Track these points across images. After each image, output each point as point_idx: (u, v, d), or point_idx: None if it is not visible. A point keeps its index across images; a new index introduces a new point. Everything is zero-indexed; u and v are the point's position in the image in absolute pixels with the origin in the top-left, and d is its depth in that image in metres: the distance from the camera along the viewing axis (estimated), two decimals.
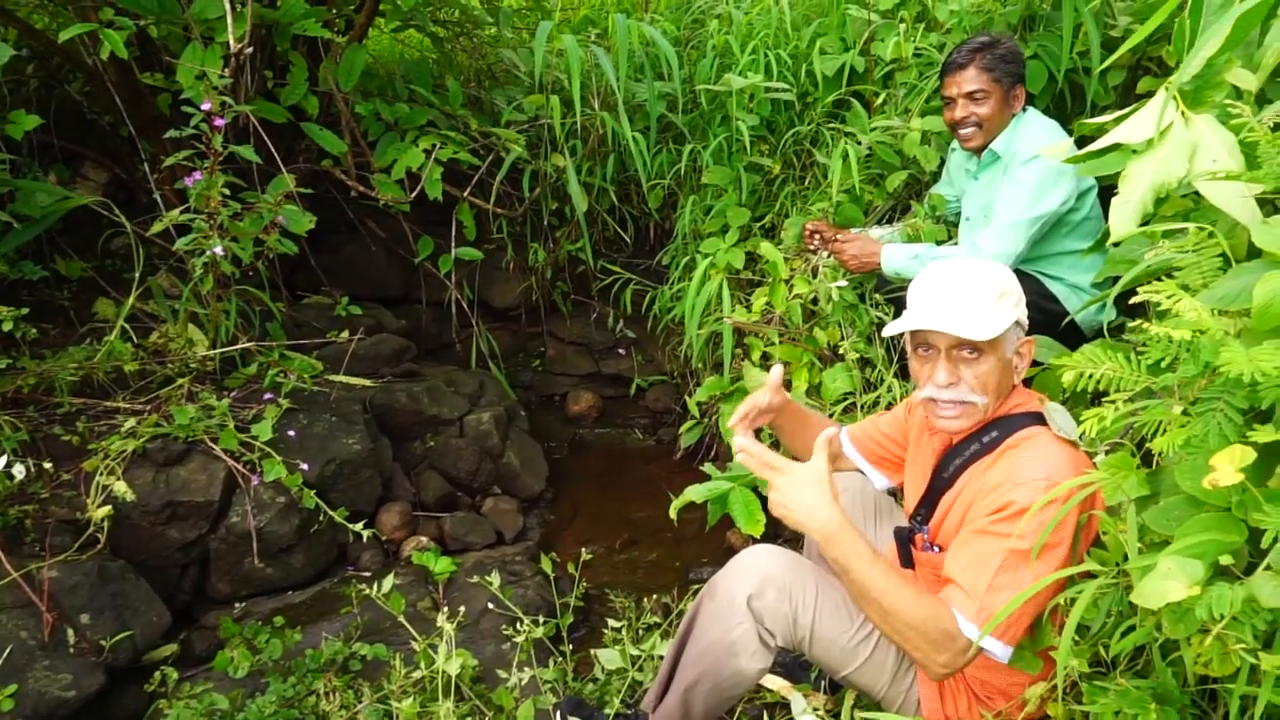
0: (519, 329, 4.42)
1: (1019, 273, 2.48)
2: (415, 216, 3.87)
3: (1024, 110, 2.50)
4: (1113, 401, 1.24)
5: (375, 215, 3.99)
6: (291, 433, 2.78)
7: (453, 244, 3.78)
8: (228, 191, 2.65)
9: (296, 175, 3.17)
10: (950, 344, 1.56)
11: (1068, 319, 2.21)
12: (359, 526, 2.64)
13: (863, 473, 2.11)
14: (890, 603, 1.43)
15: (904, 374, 2.66)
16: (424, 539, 2.97)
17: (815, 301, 2.91)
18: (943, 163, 2.92)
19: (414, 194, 3.46)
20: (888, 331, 1.61)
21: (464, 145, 3.56)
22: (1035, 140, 2.39)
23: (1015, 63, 2.44)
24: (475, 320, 4.05)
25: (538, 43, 3.24)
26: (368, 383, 3.26)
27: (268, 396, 2.86)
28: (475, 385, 3.71)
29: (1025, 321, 1.61)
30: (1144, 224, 1.54)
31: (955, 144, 2.74)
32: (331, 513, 2.68)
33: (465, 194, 3.74)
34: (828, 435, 1.54)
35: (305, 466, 2.67)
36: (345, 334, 3.21)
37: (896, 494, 2.18)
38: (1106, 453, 1.48)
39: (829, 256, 2.87)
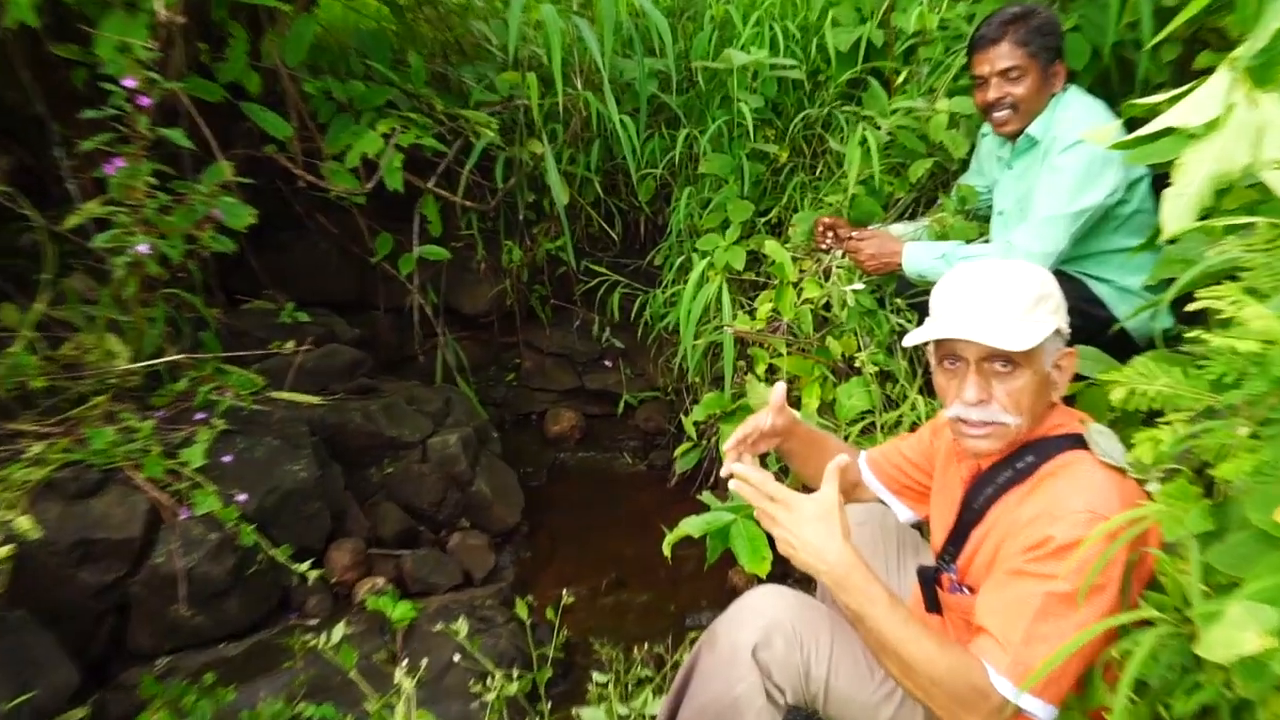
0: (491, 339, 4.40)
1: (1060, 274, 2.46)
2: (372, 210, 3.85)
3: (1064, 89, 2.49)
4: (1169, 423, 1.22)
5: (326, 209, 3.96)
6: (227, 459, 2.75)
7: (415, 241, 3.75)
8: (155, 181, 2.62)
9: (235, 162, 3.14)
10: (980, 355, 1.54)
11: (1116, 326, 2.20)
12: (304, 567, 2.61)
13: (884, 503, 2.10)
14: (911, 654, 1.41)
15: (929, 390, 2.64)
16: (380, 580, 2.94)
17: (828, 307, 2.90)
18: (972, 149, 2.92)
19: (371, 184, 3.44)
20: (909, 341, 1.58)
21: (428, 129, 3.54)
22: (1078, 123, 2.38)
23: (1053, 35, 2.44)
24: (441, 329, 4.03)
25: (512, 12, 3.23)
26: (316, 401, 3.24)
27: (200, 417, 2.83)
28: (441, 403, 3.69)
29: (1066, 330, 1.59)
30: (1203, 218, 1.53)
31: (986, 128, 2.73)
32: (273, 551, 2.65)
33: (429, 185, 3.72)
34: (839, 463, 1.52)
35: (243, 497, 2.64)
36: (291, 344, 3.18)
37: (923, 528, 2.16)
38: (1160, 481, 1.46)
39: (843, 256, 2.86)
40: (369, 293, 4.19)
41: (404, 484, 3.30)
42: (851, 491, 2.13)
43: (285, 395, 3.16)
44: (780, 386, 1.87)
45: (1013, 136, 2.55)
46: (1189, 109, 1.51)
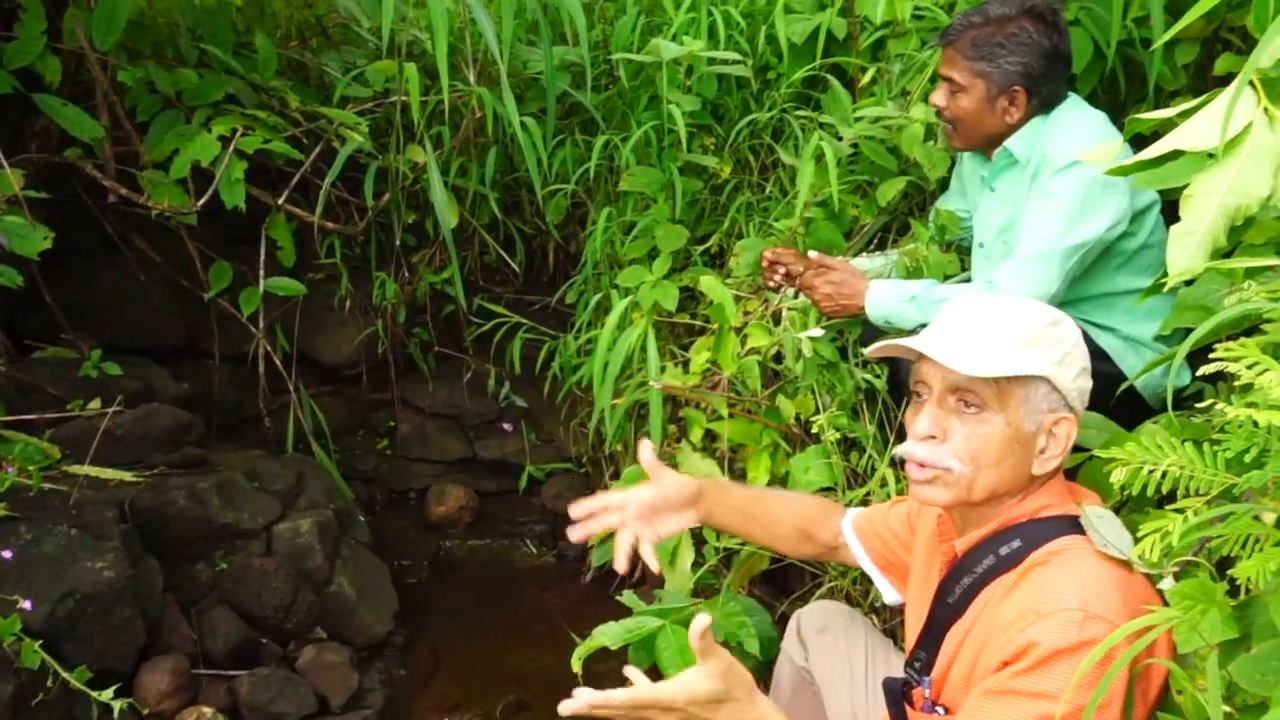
0: (358, 395, 4.37)
1: None
2: (206, 233, 3.81)
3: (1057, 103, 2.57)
4: (1182, 510, 1.26)
5: (146, 230, 3.91)
6: (7, 554, 2.70)
7: (261, 272, 3.71)
8: None
9: (27, 171, 3.09)
10: (944, 386, 1.60)
11: (1124, 385, 2.26)
12: (108, 694, 2.56)
13: (868, 577, 2.14)
14: None
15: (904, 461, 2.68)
16: (208, 711, 2.89)
17: (779, 359, 2.93)
18: (954, 166, 2.99)
19: (203, 200, 3.41)
20: (872, 350, 1.68)
21: (279, 131, 3.52)
22: (1074, 138, 2.44)
23: (1022, 54, 2.46)
24: (294, 383, 3.98)
25: None
26: (129, 477, 3.18)
27: None
28: (291, 478, 3.65)
29: (1070, 390, 1.61)
30: (1227, 254, 1.59)
31: None
32: (66, 674, 2.58)
33: (280, 201, 3.69)
34: (699, 628, 1.49)
35: (26, 605, 2.58)
36: (96, 404, 3.12)
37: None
38: (1175, 576, 1.50)
39: (796, 295, 2.90)
40: (200, 337, 4.13)
41: (242, 584, 3.23)
42: (832, 555, 2.16)
43: (87, 470, 3.10)
44: (645, 445, 1.93)
45: (977, 151, 2.65)
46: (1199, 128, 1.57)
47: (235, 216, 3.51)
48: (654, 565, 1.95)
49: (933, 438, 1.60)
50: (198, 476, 3.36)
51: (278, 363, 3.95)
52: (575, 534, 1.99)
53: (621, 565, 1.94)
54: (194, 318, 4.09)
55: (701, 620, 1.70)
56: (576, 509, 1.97)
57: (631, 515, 1.94)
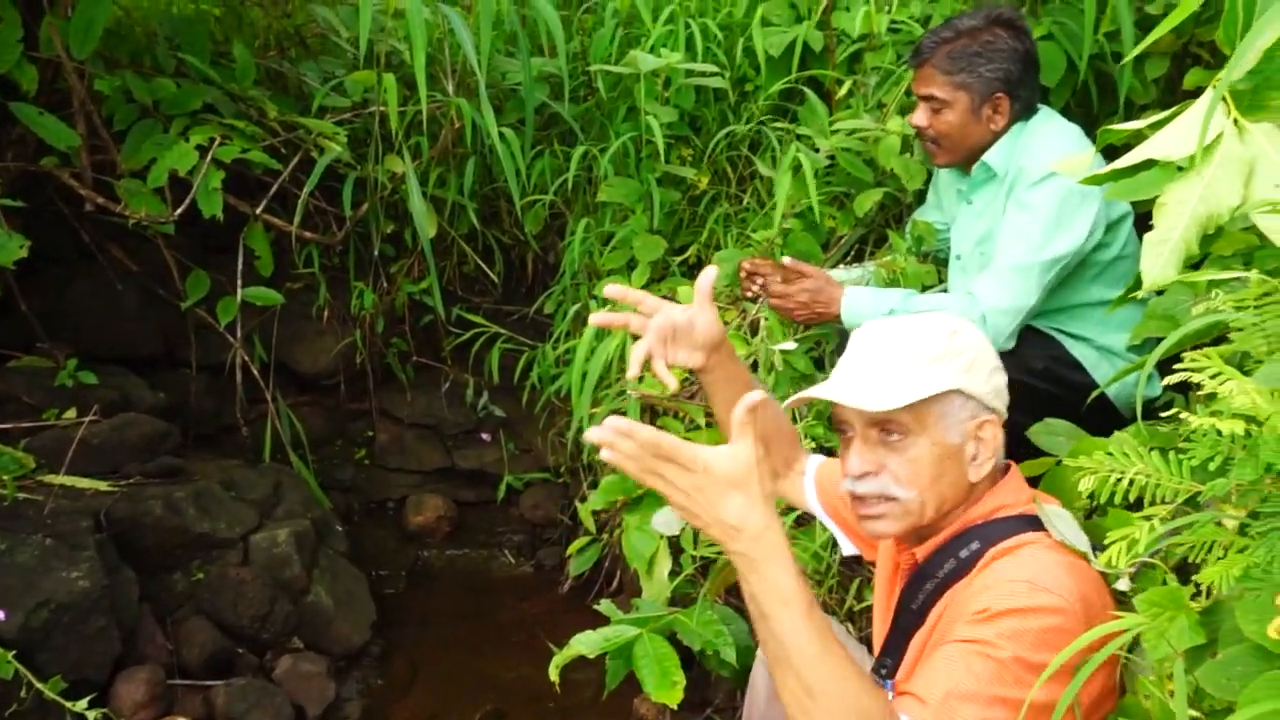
0: (336, 405, 4.36)
1: (1032, 331, 2.57)
2: (183, 242, 3.80)
3: (1035, 110, 2.61)
4: (1149, 518, 1.27)
5: (123, 239, 3.90)
6: None
7: (239, 282, 3.70)
8: None
9: (2, 179, 3.08)
10: (864, 422, 1.62)
11: (1095, 393, 2.28)
12: (83, 704, 2.55)
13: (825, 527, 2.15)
14: (816, 678, 1.38)
15: None
16: None
17: (755, 369, 2.95)
18: (930, 179, 3.02)
19: (181, 209, 3.40)
20: (788, 404, 1.70)
21: (257, 141, 3.53)
22: (1049, 151, 2.48)
23: (1000, 61, 2.52)
24: (271, 392, 3.97)
25: None
26: (104, 486, 3.17)
27: None
28: (268, 488, 3.65)
29: (983, 393, 1.64)
30: (1196, 266, 1.61)
31: None
32: (40, 684, 2.57)
33: (258, 210, 3.69)
34: (750, 402, 1.38)
35: (1, 614, 2.59)
36: (71, 413, 3.11)
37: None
38: (1131, 578, 1.52)
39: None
40: (177, 346, 4.12)
41: (218, 594, 3.22)
42: (781, 478, 2.14)
43: (62, 480, 3.08)
44: (711, 270, 1.87)
45: (958, 167, 2.67)
46: (1171, 139, 1.60)
47: (213, 226, 3.50)
48: (670, 381, 1.85)
49: (869, 473, 1.62)
50: (174, 486, 3.35)
51: (255, 372, 3.93)
52: (599, 314, 1.92)
53: (634, 371, 1.84)
54: (171, 327, 4.08)
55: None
56: (613, 289, 1.87)
57: (656, 324, 1.85)
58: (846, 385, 1.61)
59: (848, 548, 2.12)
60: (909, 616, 1.72)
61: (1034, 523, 1.62)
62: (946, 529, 1.67)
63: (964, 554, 1.63)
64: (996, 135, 2.58)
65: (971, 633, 1.46)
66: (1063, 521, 1.58)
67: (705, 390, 2.07)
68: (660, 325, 1.85)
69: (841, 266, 3.05)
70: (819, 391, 1.62)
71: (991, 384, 1.65)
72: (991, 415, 1.65)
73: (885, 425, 1.60)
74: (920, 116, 2.61)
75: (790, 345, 2.84)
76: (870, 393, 1.56)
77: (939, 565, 1.67)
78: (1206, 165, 1.52)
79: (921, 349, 1.61)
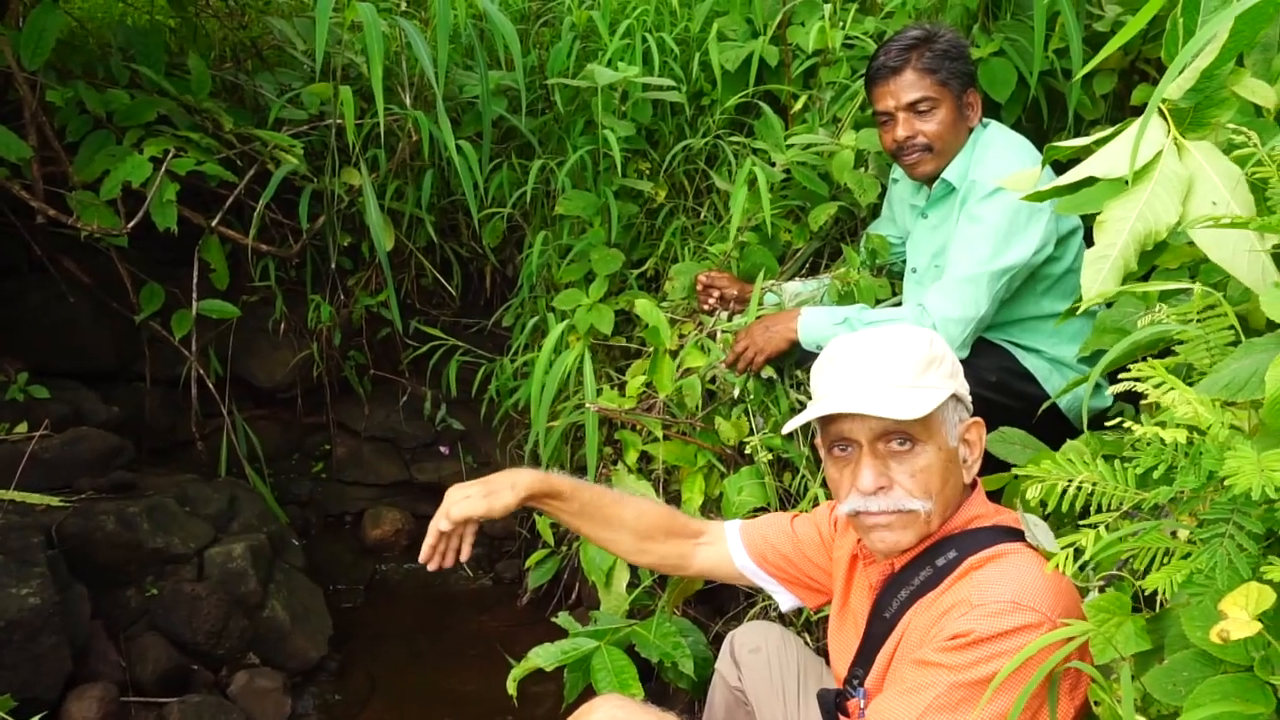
0: (293, 419, 4.34)
1: (984, 343, 2.60)
2: (137, 255, 3.78)
3: (983, 124, 2.65)
4: (1094, 525, 1.30)
5: (75, 252, 3.86)
6: None
7: (194, 295, 3.68)
8: None
9: None
10: (873, 435, 1.62)
11: (1046, 404, 2.32)
12: None
13: (761, 589, 2.16)
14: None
15: None
16: None
17: (714, 378, 2.97)
18: (884, 193, 3.05)
19: (134, 222, 3.38)
20: (788, 428, 1.68)
21: (213, 153, 3.51)
22: (1001, 165, 2.52)
23: (963, 59, 2.60)
24: (227, 406, 3.95)
25: (321, 9, 3.23)
26: (55, 502, 3.13)
27: None
28: (224, 502, 3.63)
29: (967, 397, 1.70)
30: (1143, 278, 1.64)
31: (898, 171, 2.87)
32: None
33: (214, 223, 3.67)
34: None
35: None
36: (22, 428, 3.08)
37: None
38: (1101, 589, 1.54)
39: (730, 318, 2.94)
40: (131, 360, 4.09)
41: (172, 609, 3.19)
42: (683, 561, 2.17)
43: (12, 495, 3.04)
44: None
45: (929, 180, 2.69)
46: (1113, 155, 1.63)
47: (167, 238, 3.48)
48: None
49: (882, 488, 1.62)
50: (127, 501, 3.32)
51: (210, 386, 3.91)
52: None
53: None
54: (125, 340, 4.05)
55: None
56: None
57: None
58: (858, 397, 1.59)
59: (787, 601, 2.13)
60: (881, 624, 1.73)
61: (1008, 534, 1.64)
62: (924, 538, 1.69)
63: (940, 562, 1.65)
64: (970, 131, 2.63)
65: (945, 659, 1.49)
66: (1041, 531, 1.61)
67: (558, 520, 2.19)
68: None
69: (797, 279, 3.08)
70: (837, 405, 1.60)
71: (966, 387, 1.70)
72: (976, 420, 1.70)
73: (896, 435, 1.61)
74: (905, 127, 2.60)
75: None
76: (890, 403, 1.56)
77: (915, 573, 1.69)
78: (1146, 183, 1.55)
79: (911, 357, 1.63)
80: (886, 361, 1.63)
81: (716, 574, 2.19)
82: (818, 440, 1.73)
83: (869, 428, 1.61)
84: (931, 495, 1.62)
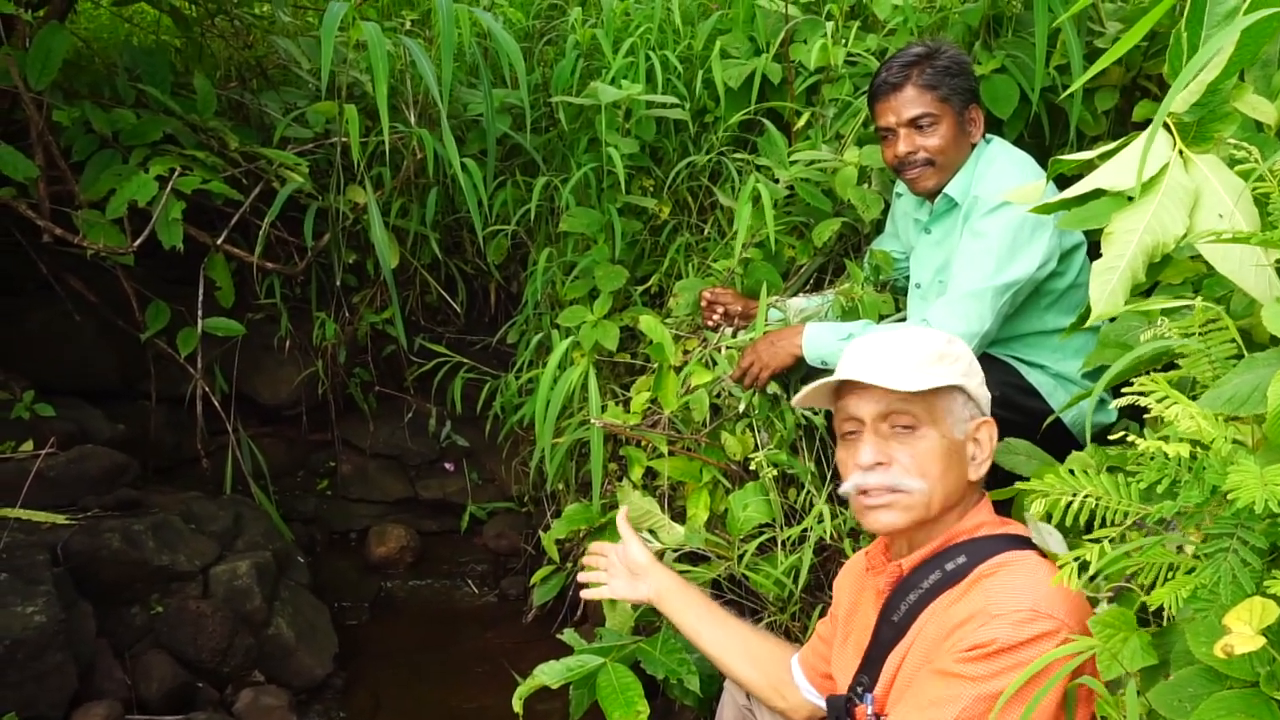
0: (298, 436, 4.34)
1: (988, 358, 2.60)
2: (143, 273, 3.79)
3: (987, 140, 2.66)
4: (1099, 540, 1.30)
5: (81, 270, 3.87)
6: None
7: (199, 313, 3.69)
8: None
9: None
10: (876, 414, 1.70)
11: (1050, 419, 2.32)
12: None
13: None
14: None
15: (841, 498, 2.71)
16: None
17: (719, 393, 2.97)
18: (887, 209, 3.06)
19: (140, 240, 3.39)
20: (797, 401, 1.78)
21: (218, 171, 3.52)
22: (1003, 180, 2.53)
23: (964, 75, 2.61)
24: (232, 424, 3.94)
25: (325, 29, 3.25)
26: (61, 520, 3.13)
27: None
28: (229, 520, 3.62)
29: (981, 397, 1.77)
30: (1147, 292, 1.65)
31: (901, 186, 2.87)
32: None
33: (219, 241, 3.68)
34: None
35: None
36: (28, 446, 3.08)
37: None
38: (1110, 599, 1.55)
39: (734, 334, 2.94)
40: (136, 378, 4.09)
41: (178, 627, 3.18)
42: (775, 699, 2.14)
43: (18, 513, 3.04)
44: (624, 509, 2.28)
45: (931, 195, 2.69)
46: (1119, 169, 1.64)
47: (173, 256, 3.48)
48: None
49: (880, 464, 1.69)
50: (132, 519, 3.31)
51: (216, 404, 3.91)
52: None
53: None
54: (130, 358, 4.05)
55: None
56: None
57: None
58: (864, 369, 1.68)
59: None
60: (889, 629, 1.75)
61: (1016, 541, 1.68)
62: (936, 540, 1.73)
63: (950, 567, 1.69)
64: (973, 148, 2.65)
65: (967, 670, 1.51)
66: (1053, 538, 1.63)
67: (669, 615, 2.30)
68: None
69: (801, 295, 3.08)
70: (842, 372, 1.71)
71: (983, 392, 1.77)
72: (987, 419, 1.75)
73: (898, 415, 1.69)
74: (906, 142, 2.61)
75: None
76: (891, 375, 1.64)
77: (924, 576, 1.72)
78: (1153, 195, 1.56)
79: (927, 348, 1.71)
80: (900, 348, 1.71)
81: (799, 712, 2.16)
82: (834, 423, 1.81)
83: (873, 406, 1.69)
84: (929, 478, 1.68)
